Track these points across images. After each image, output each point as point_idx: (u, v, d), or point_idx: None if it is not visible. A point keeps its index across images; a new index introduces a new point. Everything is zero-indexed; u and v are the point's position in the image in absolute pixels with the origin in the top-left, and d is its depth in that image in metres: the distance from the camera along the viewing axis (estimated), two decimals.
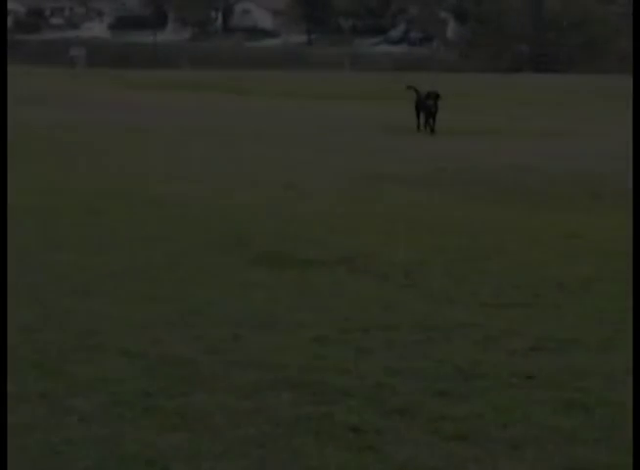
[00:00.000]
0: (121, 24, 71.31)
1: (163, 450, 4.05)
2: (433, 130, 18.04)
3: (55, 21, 75.46)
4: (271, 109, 23.29)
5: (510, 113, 23.27)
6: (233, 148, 15.41)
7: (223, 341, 5.56)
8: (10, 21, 61.31)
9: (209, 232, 8.65)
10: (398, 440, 4.25)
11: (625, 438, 4.28)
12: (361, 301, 6.54)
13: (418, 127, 18.29)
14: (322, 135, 17.53)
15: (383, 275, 7.25)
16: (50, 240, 8.22)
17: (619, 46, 45.77)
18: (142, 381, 4.86)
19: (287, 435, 4.25)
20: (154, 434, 4.21)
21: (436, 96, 18.20)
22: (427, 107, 18.18)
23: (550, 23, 49.78)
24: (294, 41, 66.47)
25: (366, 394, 4.75)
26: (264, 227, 8.96)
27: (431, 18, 60.05)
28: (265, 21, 73.02)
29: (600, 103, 25.81)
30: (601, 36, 48.40)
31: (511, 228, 9.13)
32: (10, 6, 53.11)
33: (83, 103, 23.46)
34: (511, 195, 11.19)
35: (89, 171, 12.53)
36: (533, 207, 10.39)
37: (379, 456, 4.08)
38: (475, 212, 9.93)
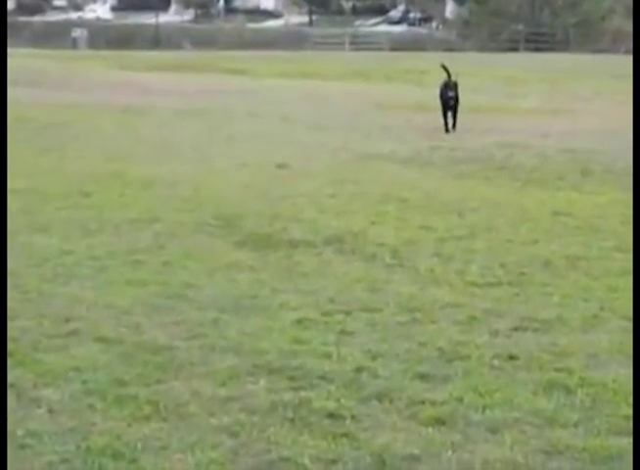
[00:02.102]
0: (124, 6, 70.92)
1: (133, 442, 3.96)
2: (453, 126, 14.89)
3: (58, 2, 75.09)
4: (269, 89, 23.13)
5: (505, 91, 23.13)
6: (227, 128, 15.28)
7: (203, 325, 5.47)
8: (13, 2, 61.06)
9: (198, 214, 8.55)
10: (375, 426, 4.17)
11: (605, 420, 4.20)
12: (347, 282, 6.44)
13: (446, 129, 14.81)
14: (318, 114, 17.40)
15: (370, 256, 7.15)
16: (35, 223, 8.12)
17: (614, 26, 45.57)
18: (117, 369, 4.77)
19: (262, 423, 4.17)
20: (124, 425, 4.12)
21: (455, 85, 15.02)
22: (447, 99, 14.86)
23: (546, 3, 49.57)
24: (295, 22, 66.27)
25: (345, 378, 4.67)
26: (254, 208, 8.86)
27: None
28: (267, 2, 72.66)
29: (594, 81, 25.62)
30: (595, 16, 48.20)
31: (500, 206, 9.03)
32: None
33: (81, 84, 23.33)
34: (501, 173, 11.08)
35: (79, 153, 12.41)
36: (523, 184, 10.29)
37: (354, 443, 4.00)
38: (464, 191, 9.84)
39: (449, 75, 15.09)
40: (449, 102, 14.76)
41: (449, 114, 14.79)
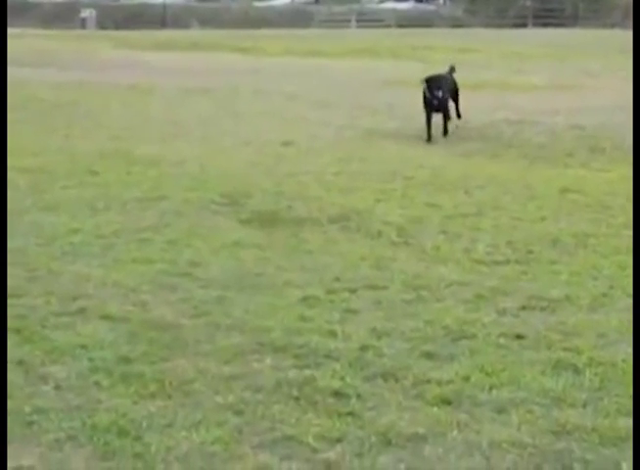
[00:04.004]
0: None
1: (138, 420, 3.96)
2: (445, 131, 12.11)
3: None
4: (275, 67, 23.05)
5: (513, 67, 22.99)
6: (233, 106, 15.24)
7: (208, 303, 5.47)
8: None
9: (204, 192, 8.53)
10: (381, 405, 4.16)
11: (614, 400, 4.18)
12: (352, 260, 6.43)
13: (429, 138, 11.84)
14: (324, 92, 17.33)
15: (376, 233, 7.14)
16: (43, 202, 8.12)
17: (624, 0, 45.24)
18: (123, 346, 4.77)
19: (266, 401, 4.16)
20: (130, 402, 4.12)
21: (441, 79, 12.38)
22: (431, 104, 12.08)
23: None
24: (301, 0, 66.03)
25: (350, 357, 4.66)
26: (260, 186, 8.84)
27: None
28: None
29: (604, 57, 25.47)
30: None
31: (507, 184, 8.99)
32: None
33: (89, 64, 23.27)
34: (509, 150, 11.04)
35: (87, 132, 12.40)
36: (531, 161, 10.25)
37: (359, 422, 3.99)
38: (471, 168, 9.80)
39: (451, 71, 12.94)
40: (433, 103, 11.99)
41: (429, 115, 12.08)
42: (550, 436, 3.91)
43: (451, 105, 12.43)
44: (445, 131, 12.05)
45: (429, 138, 11.83)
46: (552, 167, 9.92)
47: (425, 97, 12.06)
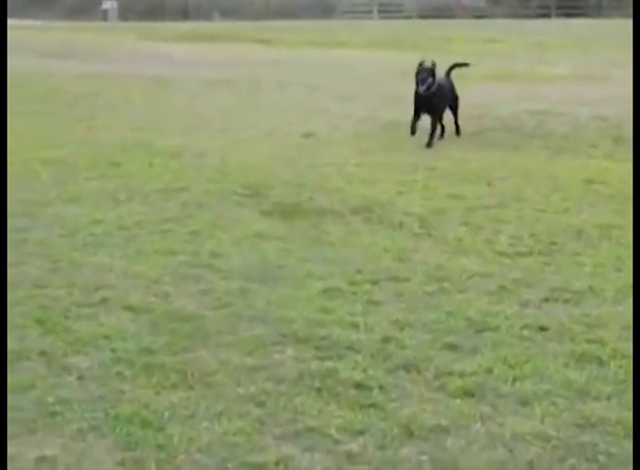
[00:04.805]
0: None
1: (161, 410, 3.96)
2: (429, 143, 10.46)
3: None
4: (297, 58, 23.04)
5: (536, 58, 22.87)
6: (255, 98, 15.24)
7: (230, 294, 5.46)
8: None
9: (226, 183, 8.53)
10: (403, 396, 4.14)
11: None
12: (374, 251, 6.41)
13: (429, 144, 10.47)
14: (345, 83, 17.30)
15: (398, 225, 7.11)
16: (66, 193, 8.14)
17: None
18: (145, 337, 4.77)
19: (289, 393, 4.16)
20: (152, 393, 4.13)
21: (431, 72, 10.62)
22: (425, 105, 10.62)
23: None
24: None
25: (373, 348, 4.64)
26: (281, 177, 8.83)
27: None
28: None
29: (628, 48, 25.30)
30: None
31: (530, 175, 8.95)
32: None
33: (111, 56, 23.35)
34: (532, 141, 10.97)
35: (109, 123, 12.43)
36: (554, 152, 10.18)
37: (381, 414, 3.98)
38: (494, 159, 9.75)
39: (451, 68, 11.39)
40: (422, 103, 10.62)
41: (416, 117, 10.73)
42: (574, 429, 3.89)
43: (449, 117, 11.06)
44: (430, 142, 10.43)
45: (412, 132, 10.54)
46: (575, 158, 9.86)
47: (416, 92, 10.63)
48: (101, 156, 9.85)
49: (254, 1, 51.99)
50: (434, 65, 10.76)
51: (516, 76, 17.96)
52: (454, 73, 11.39)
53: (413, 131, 10.65)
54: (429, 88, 10.57)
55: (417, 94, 10.67)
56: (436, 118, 10.72)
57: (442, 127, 10.96)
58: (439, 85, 10.72)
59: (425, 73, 10.60)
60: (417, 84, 10.64)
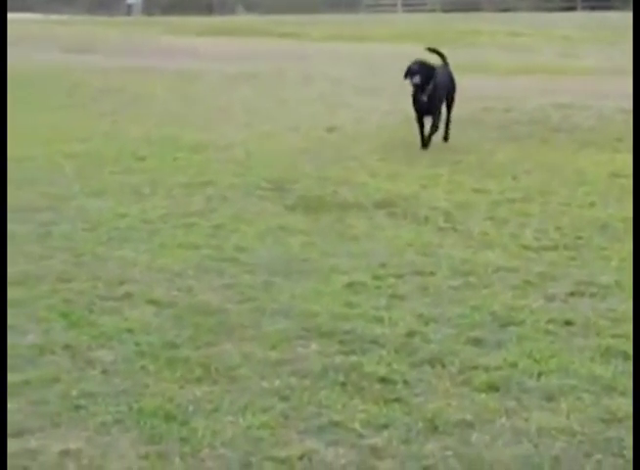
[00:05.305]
0: None
1: (185, 404, 3.96)
2: (425, 144, 9.92)
3: None
4: (321, 52, 23.02)
5: (562, 51, 22.76)
6: (279, 92, 15.23)
7: (254, 288, 5.46)
8: None
9: (250, 177, 8.53)
10: (427, 391, 4.12)
11: None
12: (399, 245, 6.39)
13: (423, 144, 9.94)
14: (369, 77, 17.27)
15: (422, 219, 7.09)
16: (90, 187, 8.15)
17: None
18: (169, 331, 4.77)
19: (313, 387, 4.14)
20: (176, 387, 4.12)
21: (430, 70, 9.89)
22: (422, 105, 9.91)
23: None
24: None
25: (397, 343, 4.62)
26: (305, 171, 8.82)
27: None
28: None
29: None
30: None
31: (556, 169, 8.90)
32: None
33: (135, 50, 23.40)
34: (557, 134, 10.92)
35: (133, 117, 12.45)
36: (580, 146, 10.13)
37: (406, 409, 3.96)
38: (519, 153, 9.71)
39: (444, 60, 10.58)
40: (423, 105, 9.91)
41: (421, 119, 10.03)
42: (600, 424, 3.85)
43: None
44: (426, 142, 9.80)
45: (423, 144, 9.80)
46: (601, 152, 9.79)
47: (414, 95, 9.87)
48: (125, 150, 9.87)
49: None
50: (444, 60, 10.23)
51: (541, 69, 17.86)
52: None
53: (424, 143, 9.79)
54: (427, 92, 9.81)
55: (416, 99, 9.82)
56: (437, 117, 9.95)
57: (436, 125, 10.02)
58: (436, 81, 9.88)
59: (424, 75, 9.74)
60: (415, 90, 9.76)
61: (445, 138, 10.33)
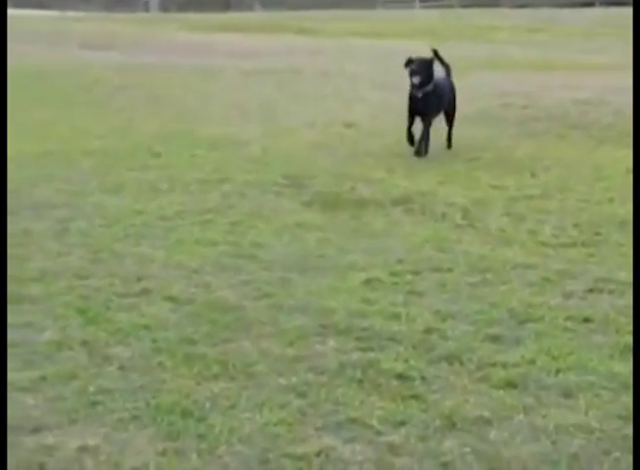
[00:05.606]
0: None
1: (202, 401, 3.96)
2: (421, 151, 9.24)
3: None
4: (338, 48, 22.98)
5: (580, 47, 22.67)
6: (296, 87, 15.22)
7: (271, 285, 5.45)
8: None
9: (266, 173, 8.52)
10: (445, 388, 4.11)
11: None
12: (416, 242, 6.37)
13: (417, 152, 9.25)
14: (386, 73, 17.23)
15: (440, 215, 7.08)
16: (107, 183, 8.16)
17: None
18: (186, 328, 4.77)
19: (330, 384, 4.13)
20: (193, 383, 4.12)
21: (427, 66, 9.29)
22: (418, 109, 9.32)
23: None
24: None
25: (414, 339, 4.61)
26: (322, 167, 8.81)
27: None
28: None
29: None
30: None
31: (574, 165, 8.87)
32: None
33: (152, 47, 23.41)
34: (575, 131, 10.87)
35: (150, 114, 12.45)
36: (598, 142, 10.09)
37: (424, 405, 3.95)
38: (537, 149, 9.67)
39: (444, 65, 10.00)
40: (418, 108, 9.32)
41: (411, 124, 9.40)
42: (618, 421, 3.84)
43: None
44: (425, 150, 9.17)
45: (412, 143, 9.14)
46: (619, 148, 9.74)
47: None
48: (142, 146, 9.87)
49: None
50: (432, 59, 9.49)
51: (559, 65, 17.79)
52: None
53: (411, 140, 9.19)
54: (426, 91, 9.20)
55: (412, 97, 9.26)
56: (429, 123, 9.32)
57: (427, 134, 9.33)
58: (436, 84, 9.26)
59: (422, 72, 9.15)
60: (412, 86, 9.18)
61: (449, 146, 9.91)
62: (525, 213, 7.09)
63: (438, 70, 9.69)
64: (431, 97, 9.25)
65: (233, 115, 12.32)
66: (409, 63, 9.27)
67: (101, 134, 10.61)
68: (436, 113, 9.52)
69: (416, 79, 9.13)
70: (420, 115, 9.27)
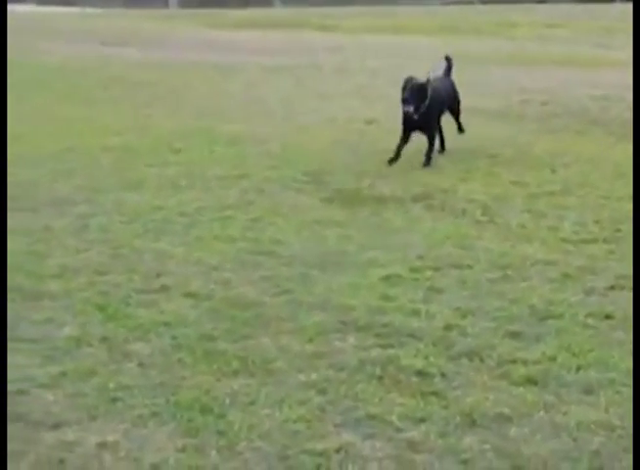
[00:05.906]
0: None
1: (221, 397, 3.96)
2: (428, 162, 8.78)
3: None
4: (358, 44, 22.95)
5: (600, 42, 22.55)
6: (316, 84, 15.19)
7: (291, 281, 5.45)
8: None
9: (286, 170, 8.52)
10: (465, 384, 4.10)
11: None
12: (436, 238, 6.36)
13: (392, 159, 8.83)
14: (406, 69, 17.16)
15: (460, 212, 7.06)
16: (125, 180, 8.17)
17: None
18: (205, 324, 4.78)
19: (350, 380, 4.13)
20: (213, 380, 4.13)
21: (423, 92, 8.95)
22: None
23: None
24: None
25: (434, 336, 4.60)
26: (342, 164, 8.79)
27: None
28: None
29: None
30: None
31: (594, 161, 8.82)
32: None
33: (171, 43, 23.44)
34: (595, 127, 10.82)
35: (169, 110, 12.47)
36: (618, 138, 10.02)
37: (444, 402, 3.94)
38: (557, 145, 9.63)
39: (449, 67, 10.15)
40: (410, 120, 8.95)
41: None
42: None
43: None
44: (428, 160, 8.74)
45: (394, 158, 8.76)
46: None
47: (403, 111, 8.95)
48: (161, 142, 9.88)
49: None
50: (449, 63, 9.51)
51: (579, 61, 17.70)
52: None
53: (397, 157, 8.81)
54: (421, 112, 8.88)
55: (406, 116, 8.94)
56: (433, 134, 9.04)
57: (442, 139, 9.31)
58: (432, 97, 8.96)
59: (415, 99, 8.85)
60: (404, 104, 8.87)
61: (460, 131, 9.72)
62: (545, 210, 7.06)
63: (438, 67, 9.72)
64: (427, 114, 8.96)
65: (253, 111, 12.32)
66: (404, 86, 9.02)
67: (121, 130, 10.63)
68: (438, 121, 9.28)
69: (409, 108, 8.88)
70: (420, 130, 9.03)
